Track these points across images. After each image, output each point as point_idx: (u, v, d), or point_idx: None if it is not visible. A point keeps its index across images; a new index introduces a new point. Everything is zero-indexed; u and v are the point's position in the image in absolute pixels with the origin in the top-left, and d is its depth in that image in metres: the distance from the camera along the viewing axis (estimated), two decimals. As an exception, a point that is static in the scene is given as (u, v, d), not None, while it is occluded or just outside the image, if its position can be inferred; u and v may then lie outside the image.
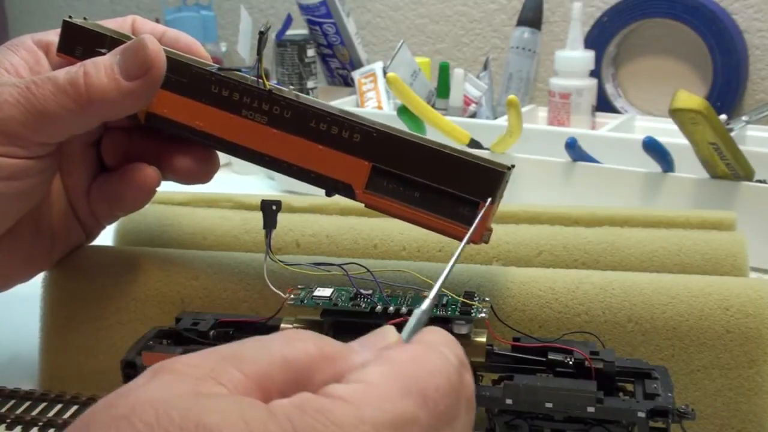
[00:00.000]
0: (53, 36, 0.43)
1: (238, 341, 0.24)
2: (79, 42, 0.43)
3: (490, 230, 0.39)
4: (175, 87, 0.42)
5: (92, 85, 0.39)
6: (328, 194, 0.41)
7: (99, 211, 0.46)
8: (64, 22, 0.43)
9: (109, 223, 0.48)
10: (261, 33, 0.38)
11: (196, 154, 0.44)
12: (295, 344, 0.24)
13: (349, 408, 0.21)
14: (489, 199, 0.38)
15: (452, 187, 0.38)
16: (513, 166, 0.39)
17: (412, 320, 0.27)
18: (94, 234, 0.48)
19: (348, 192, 0.40)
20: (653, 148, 0.67)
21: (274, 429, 0.20)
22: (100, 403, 0.21)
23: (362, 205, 0.40)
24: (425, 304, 0.28)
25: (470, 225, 0.38)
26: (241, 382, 0.22)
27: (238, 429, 0.20)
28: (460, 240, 0.39)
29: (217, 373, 0.22)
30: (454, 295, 0.38)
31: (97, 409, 0.21)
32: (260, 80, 0.40)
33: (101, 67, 0.39)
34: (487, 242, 0.39)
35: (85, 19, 0.43)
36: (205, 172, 0.45)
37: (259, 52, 0.39)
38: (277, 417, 0.21)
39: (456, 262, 0.32)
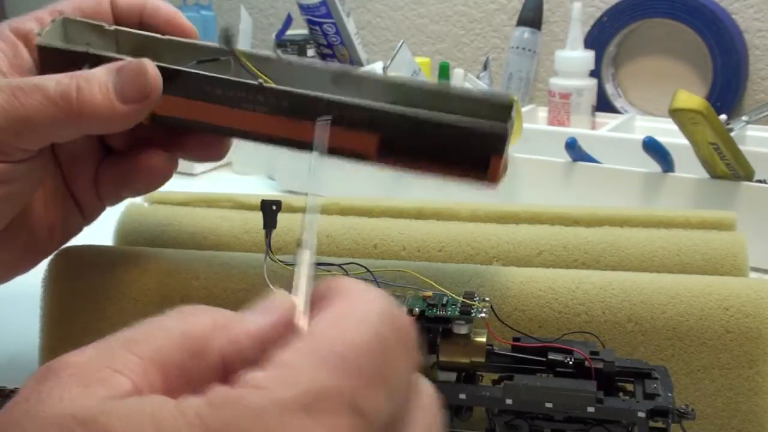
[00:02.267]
0: (32, 23, 0.42)
1: (134, 326, 0.23)
2: (60, 66, 0.40)
3: (506, 166, 0.40)
4: (171, 91, 0.41)
5: (84, 101, 0.38)
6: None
7: (105, 193, 0.45)
8: (38, 47, 0.41)
9: (113, 204, 0.47)
10: (228, 36, 0.41)
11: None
12: (189, 319, 0.23)
13: (261, 393, 0.20)
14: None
15: (460, 154, 0.39)
16: (514, 101, 0.39)
17: (302, 283, 0.24)
18: (93, 216, 0.47)
19: (361, 159, 0.41)
20: (653, 148, 0.67)
21: (185, 429, 0.20)
22: (6, 421, 0.21)
23: (362, 204, 0.40)
24: (306, 254, 0.25)
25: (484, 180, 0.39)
26: (139, 366, 0.22)
27: None
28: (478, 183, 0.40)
29: (113, 362, 0.22)
30: (454, 295, 0.38)
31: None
32: (255, 76, 0.41)
33: (95, 84, 0.38)
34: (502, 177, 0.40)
35: (60, 14, 0.42)
36: (217, 149, 0.44)
37: (232, 50, 0.41)
38: (187, 416, 0.20)
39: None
